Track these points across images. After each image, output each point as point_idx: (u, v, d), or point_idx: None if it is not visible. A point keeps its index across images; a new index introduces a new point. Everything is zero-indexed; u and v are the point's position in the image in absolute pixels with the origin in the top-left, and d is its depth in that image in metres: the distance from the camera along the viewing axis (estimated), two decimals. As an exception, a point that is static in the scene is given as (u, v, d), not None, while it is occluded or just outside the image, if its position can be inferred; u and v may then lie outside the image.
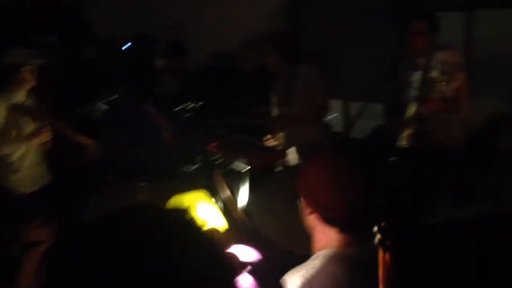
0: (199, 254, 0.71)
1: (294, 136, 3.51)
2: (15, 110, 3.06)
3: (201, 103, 3.18)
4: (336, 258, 1.39)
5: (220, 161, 2.90)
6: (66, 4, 5.16)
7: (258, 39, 3.83)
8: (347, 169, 1.43)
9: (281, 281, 1.43)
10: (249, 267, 1.51)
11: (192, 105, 3.19)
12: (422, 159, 3.07)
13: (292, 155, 3.52)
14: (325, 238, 1.45)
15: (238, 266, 1.50)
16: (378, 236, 1.27)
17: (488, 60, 4.50)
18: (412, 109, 3.32)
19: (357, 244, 1.43)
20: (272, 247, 1.83)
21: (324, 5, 5.08)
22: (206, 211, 1.69)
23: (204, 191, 1.81)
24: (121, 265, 0.67)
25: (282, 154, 3.38)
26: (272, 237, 1.99)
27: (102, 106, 3.49)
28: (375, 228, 1.28)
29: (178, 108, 3.23)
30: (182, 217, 0.76)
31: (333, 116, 4.70)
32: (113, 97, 3.44)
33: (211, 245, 0.75)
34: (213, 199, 1.89)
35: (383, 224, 1.26)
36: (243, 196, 2.87)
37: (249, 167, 2.91)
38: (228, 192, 2.56)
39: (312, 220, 1.48)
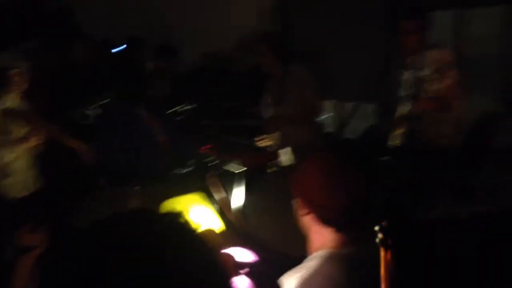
0: (193, 258, 0.71)
1: (287, 137, 3.52)
2: (6, 114, 3.03)
3: (194, 105, 3.18)
4: (332, 258, 1.40)
5: (213, 163, 2.90)
6: (54, 7, 5.13)
7: (251, 40, 3.84)
8: (341, 168, 1.43)
9: (277, 283, 1.43)
10: (245, 269, 1.51)
11: (185, 107, 3.18)
12: (414, 158, 3.09)
13: (285, 156, 3.52)
14: (321, 239, 1.45)
15: (235, 268, 1.50)
16: (380, 235, 1.28)
17: (478, 58, 4.53)
18: (403, 108, 3.33)
19: (353, 243, 1.43)
20: (268, 248, 1.83)
21: (315, 5, 5.09)
22: (202, 214, 1.69)
23: (200, 193, 1.81)
24: (114, 270, 0.66)
25: (275, 154, 3.39)
26: (267, 238, 1.99)
27: (94, 110, 3.48)
28: (377, 227, 1.29)
29: (170, 110, 3.22)
30: (176, 221, 0.75)
31: (326, 116, 4.72)
32: (104, 101, 3.42)
33: (205, 248, 0.75)
34: (209, 201, 1.88)
35: (384, 223, 1.27)
36: (237, 197, 2.87)
37: (243, 168, 2.91)
38: (222, 194, 2.56)
39: (308, 221, 1.47)
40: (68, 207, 2.55)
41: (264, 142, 3.54)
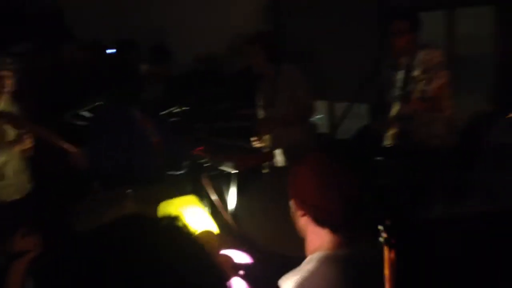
0: (190, 263, 0.71)
1: (280, 138, 3.52)
2: (-4, 117, 3.01)
3: (187, 107, 3.18)
4: (329, 260, 1.40)
5: (207, 164, 2.89)
6: (44, 9, 5.09)
7: (242, 40, 3.84)
8: (335, 169, 1.43)
9: (275, 284, 1.43)
10: (243, 271, 1.51)
11: (178, 109, 3.17)
12: (407, 158, 3.10)
13: (279, 157, 3.53)
14: (318, 240, 1.45)
15: (232, 269, 1.50)
16: (384, 234, 1.28)
17: (469, 58, 4.56)
18: (395, 109, 3.35)
19: (350, 244, 1.43)
20: (263, 249, 1.83)
21: (308, 5, 5.11)
22: (197, 216, 1.69)
23: (195, 195, 1.81)
24: (111, 276, 0.66)
25: (269, 155, 3.39)
26: (262, 239, 1.99)
27: (87, 112, 3.46)
28: (381, 227, 1.29)
29: (163, 112, 3.22)
30: (172, 225, 0.75)
31: (318, 117, 4.73)
32: (97, 103, 3.41)
33: (202, 252, 0.75)
34: (204, 203, 1.88)
35: (388, 222, 1.27)
36: (231, 199, 2.87)
37: (237, 170, 2.91)
38: (216, 196, 2.55)
39: (304, 222, 1.47)
40: (62, 210, 2.54)
41: (257, 143, 3.54)
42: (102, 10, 5.24)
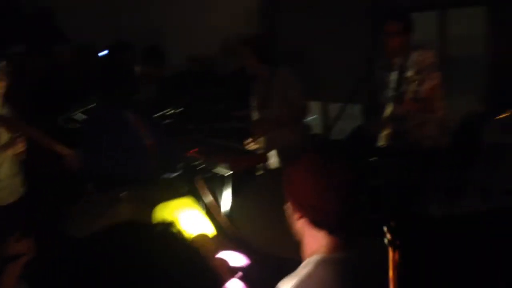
0: (184, 267, 0.71)
1: (274, 139, 3.52)
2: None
3: (180, 108, 3.17)
4: (326, 263, 1.39)
5: (201, 166, 2.89)
6: (37, 11, 5.07)
7: (236, 42, 3.84)
8: (332, 169, 1.43)
9: (271, 286, 1.43)
10: (239, 273, 1.51)
11: (172, 111, 3.17)
12: (400, 159, 3.12)
13: (273, 158, 3.53)
14: (315, 243, 1.45)
15: (228, 272, 1.50)
16: (388, 236, 1.28)
17: (461, 59, 4.59)
18: (389, 110, 3.37)
19: (347, 246, 1.43)
20: (259, 252, 1.83)
21: (300, 7, 5.12)
22: (193, 218, 1.68)
23: (190, 197, 1.80)
24: (105, 282, 0.66)
25: (263, 157, 3.39)
26: (257, 241, 1.99)
27: (80, 114, 3.45)
28: (385, 228, 1.29)
29: (157, 114, 3.21)
30: (167, 230, 0.75)
31: (312, 118, 4.73)
32: (91, 105, 3.39)
33: (196, 256, 0.75)
34: (199, 205, 1.88)
35: (392, 223, 1.27)
36: (226, 201, 2.87)
37: (231, 171, 2.91)
38: (210, 198, 2.55)
39: (301, 225, 1.47)
40: (55, 213, 2.53)
41: (251, 145, 3.54)
42: (95, 11, 5.22)
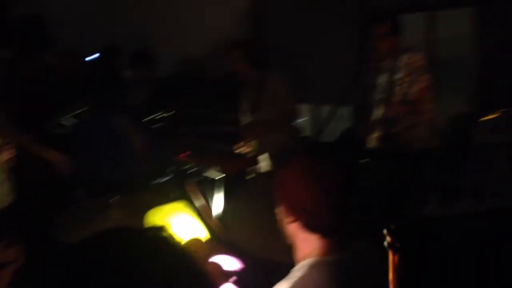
0: (176, 273, 0.70)
1: (265, 142, 3.53)
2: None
3: (171, 113, 3.16)
4: (320, 266, 1.39)
5: (192, 170, 2.88)
6: (25, 15, 5.02)
7: (226, 46, 3.84)
8: (323, 171, 1.43)
9: None
10: (233, 277, 1.50)
11: (162, 114, 3.16)
12: (391, 161, 3.13)
13: (264, 162, 3.53)
14: (308, 246, 1.45)
15: (222, 276, 1.49)
16: (388, 238, 1.28)
17: (449, 60, 4.62)
18: (378, 112, 3.38)
19: (340, 249, 1.43)
20: (251, 256, 1.83)
21: (289, 9, 5.13)
22: (186, 223, 1.67)
23: (182, 202, 1.80)
24: None
25: (254, 160, 3.39)
26: (249, 246, 1.99)
27: (70, 119, 3.42)
28: (385, 231, 1.29)
29: (148, 118, 3.20)
30: (157, 235, 0.75)
31: (302, 120, 4.74)
32: (81, 110, 3.37)
33: (188, 261, 0.74)
34: (191, 210, 1.87)
35: (392, 226, 1.27)
36: (217, 204, 2.86)
37: (222, 175, 2.90)
38: (202, 202, 2.54)
39: (293, 229, 1.47)
40: (45, 220, 2.50)
41: (242, 148, 3.54)
42: (84, 15, 5.20)
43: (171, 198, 2.65)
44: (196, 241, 1.60)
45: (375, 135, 3.35)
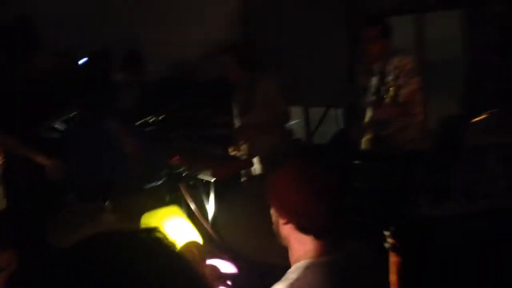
0: (170, 274, 0.70)
1: (257, 145, 3.53)
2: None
3: (163, 116, 3.15)
4: (315, 267, 1.40)
5: (184, 173, 2.87)
6: (14, 19, 4.99)
7: (217, 49, 3.84)
8: (316, 173, 1.43)
9: None
10: (229, 280, 1.50)
11: (154, 118, 3.15)
12: (384, 163, 3.15)
13: (256, 164, 3.53)
14: (302, 248, 1.45)
15: (219, 279, 1.49)
16: (390, 240, 1.28)
17: (439, 62, 4.66)
18: (369, 114, 3.40)
19: (334, 250, 1.43)
20: (245, 259, 1.83)
21: (280, 12, 5.15)
22: (181, 226, 1.67)
23: (175, 205, 1.79)
24: None
25: (247, 163, 3.39)
26: (243, 249, 1.99)
27: (61, 123, 3.40)
28: (387, 232, 1.29)
29: (139, 121, 3.19)
30: (150, 237, 0.74)
31: (294, 123, 4.76)
32: (72, 114, 3.35)
33: (183, 263, 0.74)
34: (185, 213, 1.87)
35: (393, 228, 1.28)
36: (210, 208, 2.85)
37: (214, 178, 2.89)
38: (195, 205, 2.54)
39: (287, 231, 1.47)
40: (38, 225, 2.48)
41: (235, 152, 3.54)
42: (74, 19, 5.17)
43: (165, 201, 2.64)
44: (191, 245, 1.60)
45: (367, 137, 3.37)
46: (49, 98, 3.87)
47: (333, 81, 4.64)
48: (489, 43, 4.17)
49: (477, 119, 3.28)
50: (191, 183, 2.81)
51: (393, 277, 1.30)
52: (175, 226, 1.65)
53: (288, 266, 1.48)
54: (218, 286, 1.47)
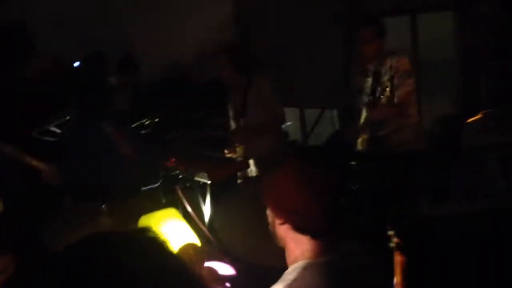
0: (164, 272, 0.70)
1: (253, 147, 3.53)
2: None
3: (158, 118, 3.15)
4: (312, 268, 1.40)
5: (180, 176, 2.87)
6: (6, 23, 4.96)
7: (211, 51, 3.85)
8: (313, 174, 1.43)
9: None
10: (227, 283, 1.50)
11: (149, 120, 3.15)
12: (380, 163, 3.16)
13: (252, 166, 3.54)
14: (298, 248, 1.45)
15: (217, 282, 1.49)
16: (395, 239, 1.29)
17: (433, 63, 4.69)
18: (364, 115, 3.41)
19: (330, 250, 1.44)
20: (242, 261, 1.83)
21: (275, 13, 5.16)
22: (178, 229, 1.67)
23: (173, 208, 1.79)
24: None
25: (243, 165, 3.39)
26: (240, 251, 1.99)
27: (57, 127, 3.39)
28: (391, 232, 1.30)
29: (135, 124, 3.18)
30: (145, 236, 0.74)
31: (289, 124, 4.77)
32: (67, 117, 3.34)
33: (179, 263, 0.74)
34: (182, 216, 1.87)
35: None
36: (206, 210, 2.85)
37: (210, 180, 2.89)
38: (192, 207, 2.53)
39: (283, 231, 1.47)
40: (34, 229, 2.48)
41: (230, 154, 3.54)
42: (68, 22, 5.16)
43: (161, 204, 2.64)
44: (189, 247, 1.59)
45: (362, 137, 3.38)
46: (43, 101, 3.86)
47: (329, 83, 4.65)
48: (482, 44, 4.20)
49: (472, 119, 3.30)
50: (187, 185, 2.81)
51: (397, 277, 1.30)
52: (173, 229, 1.65)
53: (285, 267, 1.48)
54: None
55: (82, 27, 5.19)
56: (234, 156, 3.52)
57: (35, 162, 3.17)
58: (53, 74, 4.17)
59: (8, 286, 1.52)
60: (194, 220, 2.44)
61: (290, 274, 1.42)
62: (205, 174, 2.97)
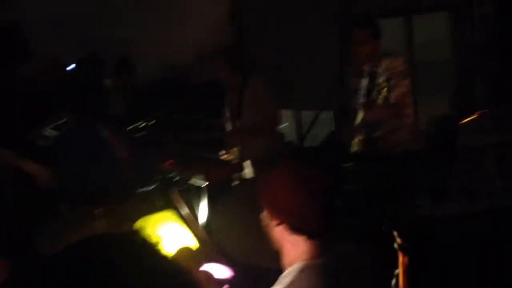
0: (155, 274, 0.70)
1: (248, 149, 3.53)
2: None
3: (154, 120, 3.14)
4: (309, 270, 1.40)
5: (177, 178, 2.85)
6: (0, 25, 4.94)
7: (208, 53, 3.84)
8: (309, 175, 1.44)
9: None
10: (225, 286, 1.49)
11: (145, 122, 3.14)
12: (376, 164, 3.16)
13: (248, 168, 3.52)
14: (295, 250, 1.45)
15: (214, 285, 1.48)
16: (398, 240, 1.28)
17: (429, 63, 4.70)
18: (360, 116, 3.41)
19: (326, 251, 1.43)
20: (239, 263, 1.82)
21: (270, 15, 5.17)
22: (175, 232, 1.66)
23: (169, 211, 1.78)
24: None
25: (239, 167, 3.38)
26: (236, 253, 1.98)
27: (52, 131, 3.37)
28: (395, 233, 1.29)
29: (131, 126, 3.17)
30: (134, 239, 0.73)
31: (284, 125, 4.77)
32: (62, 121, 3.33)
33: (179, 270, 0.73)
34: (179, 218, 1.86)
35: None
36: (202, 212, 2.84)
37: (208, 182, 2.89)
38: (187, 210, 2.52)
39: (279, 232, 1.47)
40: (30, 233, 2.46)
41: (226, 156, 3.54)
42: (63, 24, 5.15)
43: (158, 207, 2.63)
44: (186, 250, 1.59)
45: (358, 138, 3.38)
46: (39, 105, 3.84)
47: (324, 84, 4.66)
48: (478, 44, 4.21)
49: (467, 119, 3.31)
50: (184, 187, 2.80)
51: (401, 278, 1.30)
52: (170, 231, 1.64)
53: (282, 270, 1.48)
54: None
55: (79, 29, 5.17)
56: (230, 157, 3.51)
57: (29, 166, 3.15)
58: (51, 74, 4.15)
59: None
60: (191, 222, 2.43)
61: (286, 277, 1.41)
62: (202, 176, 2.97)
